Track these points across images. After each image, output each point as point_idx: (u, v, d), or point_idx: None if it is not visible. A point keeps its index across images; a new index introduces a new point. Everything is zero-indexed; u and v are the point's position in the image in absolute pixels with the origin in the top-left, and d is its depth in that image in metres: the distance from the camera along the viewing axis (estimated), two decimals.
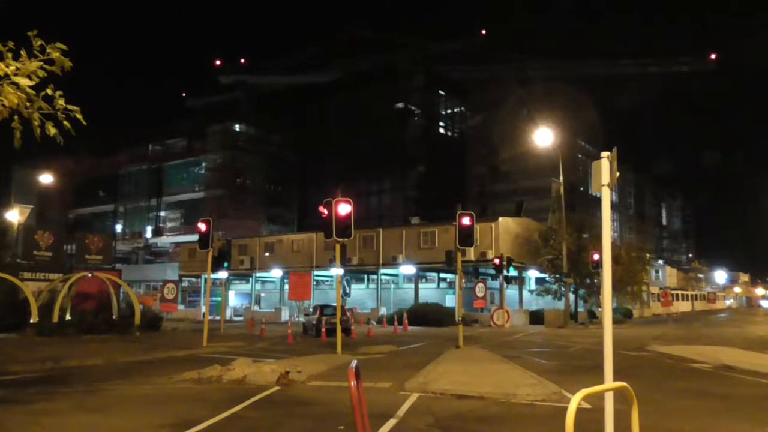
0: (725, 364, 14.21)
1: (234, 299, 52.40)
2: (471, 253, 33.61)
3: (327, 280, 47.44)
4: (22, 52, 5.89)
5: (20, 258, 28.18)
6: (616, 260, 34.31)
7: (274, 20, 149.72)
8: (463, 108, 77.14)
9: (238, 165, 65.95)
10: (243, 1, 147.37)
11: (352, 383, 4.85)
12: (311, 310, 30.60)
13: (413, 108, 70.64)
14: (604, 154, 5.93)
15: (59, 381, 11.95)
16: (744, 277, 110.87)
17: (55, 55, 5.91)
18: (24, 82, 5.82)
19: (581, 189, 62.94)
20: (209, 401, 9.64)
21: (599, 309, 37.64)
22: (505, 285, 36.40)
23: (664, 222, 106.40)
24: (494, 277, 38.89)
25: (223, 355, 17.15)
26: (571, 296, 37.04)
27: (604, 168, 5.89)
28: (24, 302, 22.89)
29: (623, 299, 42.53)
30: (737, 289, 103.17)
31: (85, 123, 6.21)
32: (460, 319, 20.55)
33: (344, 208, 16.01)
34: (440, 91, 74.76)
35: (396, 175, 67.74)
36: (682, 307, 69.15)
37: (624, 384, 4.78)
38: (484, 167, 70.06)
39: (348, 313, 27.65)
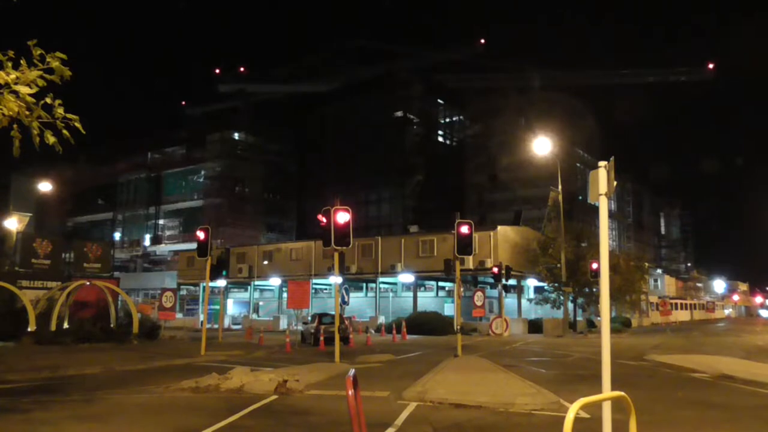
0: (724, 373, 14.17)
1: (232, 307, 52.27)
2: (470, 262, 33.61)
3: (325, 289, 47.37)
4: (21, 61, 5.91)
5: (18, 266, 28.09)
6: (614, 269, 34.30)
7: (274, 29, 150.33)
8: (461, 117, 77.35)
9: (237, 173, 65.97)
10: (242, 9, 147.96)
11: (350, 392, 4.84)
12: (309, 318, 30.54)
13: (412, 117, 70.82)
14: (602, 163, 5.96)
15: (56, 390, 11.89)
16: (743, 287, 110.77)
17: (55, 64, 5.93)
18: (24, 90, 5.84)
19: (580, 198, 63.03)
20: (207, 410, 9.61)
21: (598, 318, 37.58)
22: (503, 294, 36.36)
23: (663, 231, 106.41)
24: (493, 286, 38.85)
25: (221, 363, 17.11)
26: (570, 305, 37.00)
27: (602, 177, 5.91)
28: (22, 310, 22.82)
29: (622, 308, 42.50)
30: (736, 298, 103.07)
31: (84, 132, 6.22)
32: (458, 327, 20.53)
33: (343, 217, 16.02)
34: (439, 100, 75.01)
35: (395, 184, 67.81)
36: (681, 316, 69.01)
37: (622, 393, 4.78)
38: (482, 176, 70.11)
39: (346, 322, 27.58)
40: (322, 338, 24.51)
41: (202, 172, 66.31)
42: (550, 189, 39.13)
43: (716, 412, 9.79)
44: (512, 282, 38.41)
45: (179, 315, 39.27)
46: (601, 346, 5.79)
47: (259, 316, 47.33)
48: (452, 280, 32.92)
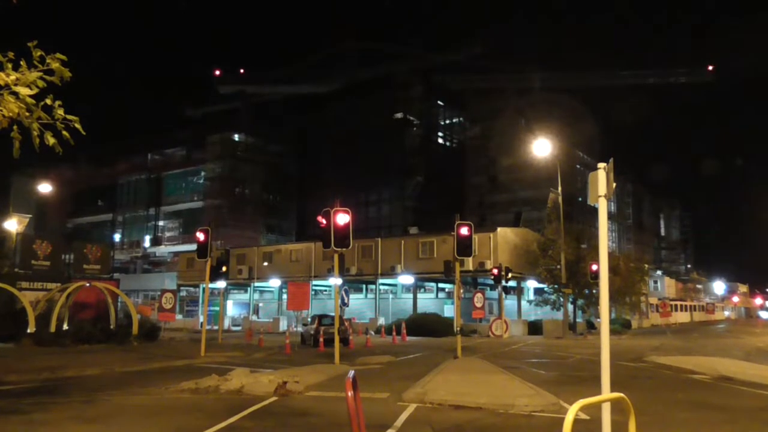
0: (724, 375, 14.18)
1: (232, 309, 52.25)
2: (469, 264, 33.60)
3: (325, 290, 47.36)
4: (21, 63, 5.90)
5: (18, 267, 28.08)
6: (614, 271, 34.27)
7: (274, 30, 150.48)
8: (461, 118, 77.41)
9: (237, 175, 66.01)
10: (243, 11, 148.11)
11: (350, 394, 4.84)
12: (309, 320, 30.53)
13: (412, 118, 70.86)
14: (601, 165, 5.96)
15: (56, 391, 11.89)
16: (742, 288, 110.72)
17: (55, 65, 5.92)
18: (24, 91, 5.83)
19: (580, 199, 63.02)
20: (206, 411, 9.61)
21: (598, 319, 37.52)
22: (503, 295, 36.33)
23: (663, 232, 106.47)
24: (493, 288, 38.83)
25: (220, 365, 17.10)
26: (570, 307, 36.98)
27: (601, 179, 5.92)
28: (21, 312, 22.79)
29: (622, 310, 42.46)
30: (736, 300, 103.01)
31: (84, 133, 6.22)
32: (458, 329, 20.50)
33: (343, 218, 16.02)
34: (439, 102, 75.05)
35: (395, 185, 67.86)
36: (681, 317, 69.00)
37: (621, 395, 4.79)
38: (482, 177, 70.19)
39: (346, 323, 27.57)
40: (321, 340, 24.51)
41: (202, 174, 66.33)
42: (549, 190, 39.14)
43: (715, 413, 9.79)
44: (512, 283, 38.37)
45: (179, 316, 39.37)
46: (600, 348, 5.79)
47: (258, 318, 47.29)
48: (452, 282, 32.89)
